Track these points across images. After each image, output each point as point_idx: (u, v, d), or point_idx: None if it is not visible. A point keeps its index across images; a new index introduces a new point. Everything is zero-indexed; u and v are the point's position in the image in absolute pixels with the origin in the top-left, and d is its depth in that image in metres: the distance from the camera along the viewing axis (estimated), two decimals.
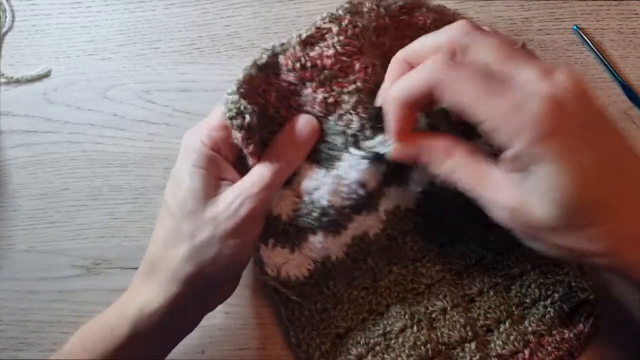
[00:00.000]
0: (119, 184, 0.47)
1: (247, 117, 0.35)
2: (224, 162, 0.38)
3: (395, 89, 0.33)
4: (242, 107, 0.35)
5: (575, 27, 0.46)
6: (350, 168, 0.38)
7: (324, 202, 0.38)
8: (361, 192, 0.39)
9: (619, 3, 0.47)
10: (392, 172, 0.41)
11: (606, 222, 0.30)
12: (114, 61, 0.48)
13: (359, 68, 0.37)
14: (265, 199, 0.37)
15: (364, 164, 0.38)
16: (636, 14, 0.47)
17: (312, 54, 0.37)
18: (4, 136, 0.48)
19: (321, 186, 0.38)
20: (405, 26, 0.41)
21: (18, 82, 0.48)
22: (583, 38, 0.46)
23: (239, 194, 0.36)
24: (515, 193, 0.31)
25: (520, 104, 0.29)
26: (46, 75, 0.49)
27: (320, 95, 0.38)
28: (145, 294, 0.38)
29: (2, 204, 0.48)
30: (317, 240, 0.40)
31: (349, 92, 0.38)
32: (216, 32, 0.48)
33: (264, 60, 0.37)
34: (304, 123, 0.38)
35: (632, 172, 0.31)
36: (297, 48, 0.37)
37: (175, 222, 0.37)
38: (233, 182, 0.38)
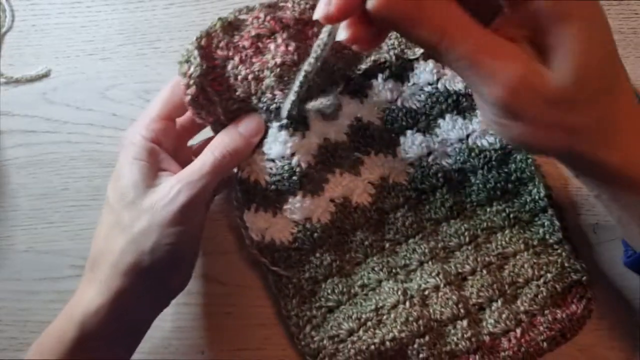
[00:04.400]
0: None
1: (192, 67, 0.37)
2: (164, 153, 0.39)
3: None
4: (191, 57, 0.37)
5: None
6: (274, 142, 0.39)
7: (299, 162, 0.40)
8: (291, 165, 0.40)
9: (619, 3, 0.47)
10: (377, 140, 0.43)
11: (607, 96, 0.29)
12: (114, 61, 0.48)
13: (279, 44, 0.38)
14: (204, 187, 0.37)
15: (285, 135, 0.39)
16: (636, 14, 0.47)
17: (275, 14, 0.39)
18: (4, 136, 0.48)
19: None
20: None
21: (18, 82, 0.48)
22: None
23: (178, 181, 0.36)
24: (526, 60, 0.28)
25: None
26: (46, 75, 0.49)
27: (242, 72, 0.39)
28: (89, 292, 0.38)
29: (2, 204, 0.48)
30: (296, 201, 0.41)
31: (269, 68, 0.38)
32: None
33: (230, 18, 0.38)
34: (254, 118, 0.39)
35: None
36: (263, 10, 0.39)
37: (115, 215, 0.38)
38: (173, 172, 0.38)
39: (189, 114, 0.39)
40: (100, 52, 0.48)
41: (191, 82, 0.37)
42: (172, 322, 0.46)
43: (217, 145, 0.38)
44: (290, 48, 0.38)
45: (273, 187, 0.40)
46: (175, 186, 0.36)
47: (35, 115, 0.48)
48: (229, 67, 0.38)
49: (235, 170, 0.40)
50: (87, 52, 0.48)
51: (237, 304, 0.45)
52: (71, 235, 0.47)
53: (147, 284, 0.38)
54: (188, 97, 0.37)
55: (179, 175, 0.37)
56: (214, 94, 0.38)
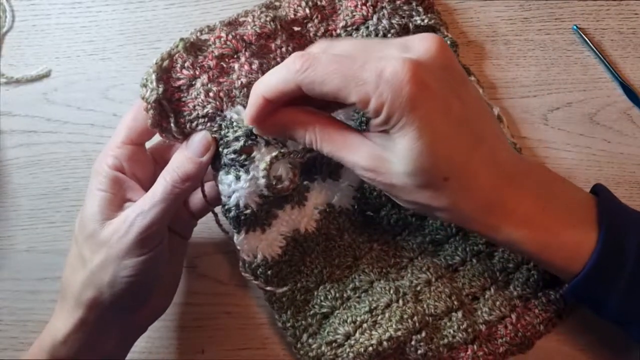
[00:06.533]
0: None
1: (148, 92, 0.36)
2: (130, 182, 0.38)
3: (260, 86, 0.34)
4: (149, 82, 0.37)
5: (575, 27, 0.46)
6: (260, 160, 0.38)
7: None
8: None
9: (619, 3, 0.47)
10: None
11: (448, 181, 0.33)
12: (114, 61, 0.48)
13: (243, 63, 0.38)
14: (158, 215, 0.36)
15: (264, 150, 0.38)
16: (636, 14, 0.47)
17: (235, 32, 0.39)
18: (4, 136, 0.48)
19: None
20: (335, 12, 0.42)
21: (18, 82, 0.48)
22: (583, 38, 0.46)
23: (132, 212, 0.36)
24: (373, 154, 0.33)
25: (381, 73, 0.31)
26: (46, 75, 0.49)
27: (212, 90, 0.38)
28: (57, 322, 0.38)
29: (3, 204, 0.48)
30: (285, 214, 0.41)
31: (237, 88, 0.38)
32: None
33: (192, 39, 0.38)
34: (199, 138, 0.37)
35: (483, 129, 0.34)
36: (224, 29, 0.39)
37: (77, 247, 0.38)
38: None
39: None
40: (101, 53, 0.48)
41: (148, 106, 0.37)
42: (172, 322, 0.46)
43: (168, 171, 0.37)
44: (254, 67, 0.38)
45: (266, 206, 0.39)
46: (129, 217, 0.36)
47: (36, 115, 0.48)
48: (198, 84, 0.38)
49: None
50: (87, 53, 0.49)
51: (237, 304, 0.45)
52: (72, 235, 0.46)
53: (111, 316, 0.38)
54: (149, 122, 0.37)
55: (134, 205, 0.36)
56: (179, 116, 0.38)
